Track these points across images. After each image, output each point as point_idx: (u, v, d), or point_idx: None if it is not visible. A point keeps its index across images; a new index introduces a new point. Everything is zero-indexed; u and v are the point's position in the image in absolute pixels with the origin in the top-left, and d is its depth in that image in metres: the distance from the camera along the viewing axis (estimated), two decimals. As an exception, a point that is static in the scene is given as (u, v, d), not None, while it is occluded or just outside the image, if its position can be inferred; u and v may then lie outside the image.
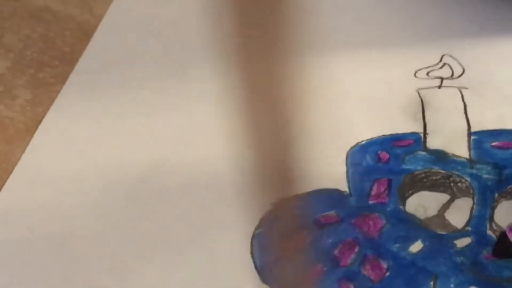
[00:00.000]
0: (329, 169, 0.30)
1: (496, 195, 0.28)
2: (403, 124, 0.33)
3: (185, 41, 0.39)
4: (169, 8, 0.43)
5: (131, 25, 0.41)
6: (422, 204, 0.28)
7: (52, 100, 0.35)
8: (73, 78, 0.36)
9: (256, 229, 0.27)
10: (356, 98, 0.34)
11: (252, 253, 0.26)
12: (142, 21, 0.42)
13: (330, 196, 0.29)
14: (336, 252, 0.26)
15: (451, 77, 0.36)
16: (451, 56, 0.37)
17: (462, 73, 0.36)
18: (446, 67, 0.37)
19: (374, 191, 0.29)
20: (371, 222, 0.27)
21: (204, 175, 0.30)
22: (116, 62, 0.38)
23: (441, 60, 0.37)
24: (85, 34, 0.40)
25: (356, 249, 0.26)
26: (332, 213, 0.28)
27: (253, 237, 0.27)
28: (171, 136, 0.33)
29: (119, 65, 0.38)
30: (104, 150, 0.32)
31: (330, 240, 0.27)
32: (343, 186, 0.29)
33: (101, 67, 0.37)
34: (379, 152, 0.31)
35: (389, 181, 0.29)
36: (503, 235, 0.25)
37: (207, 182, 0.30)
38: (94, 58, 0.38)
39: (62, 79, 0.37)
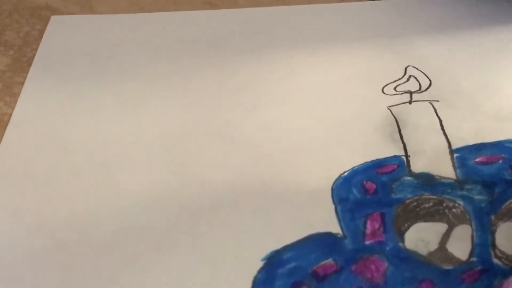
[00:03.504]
0: (316, 210, 0.27)
1: (493, 218, 0.27)
2: (382, 147, 0.31)
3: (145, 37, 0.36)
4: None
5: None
6: (422, 238, 0.26)
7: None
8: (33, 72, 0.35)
9: (249, 291, 0.24)
10: (328, 125, 0.32)
11: (249, 320, 0.24)
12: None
13: (324, 242, 0.26)
14: (342, 307, 0.24)
15: (420, 90, 0.35)
16: (415, 67, 0.36)
17: (430, 85, 0.35)
18: (412, 79, 0.35)
19: (368, 229, 0.27)
20: (373, 267, 0.25)
21: (181, 234, 0.27)
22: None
23: (405, 72, 0.36)
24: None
25: (363, 301, 0.24)
26: (329, 261, 0.25)
27: (248, 301, 0.24)
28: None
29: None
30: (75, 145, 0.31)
31: (333, 294, 0.24)
32: (335, 227, 0.27)
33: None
34: (365, 182, 0.29)
35: (382, 215, 0.27)
36: None
37: (185, 242, 0.26)
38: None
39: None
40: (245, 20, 0.39)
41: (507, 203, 0.28)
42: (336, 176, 0.29)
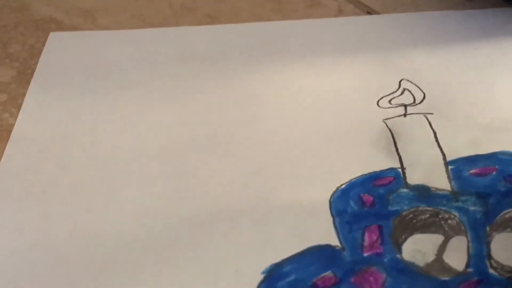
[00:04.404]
0: (314, 223, 0.28)
1: (488, 229, 0.28)
2: (378, 159, 0.31)
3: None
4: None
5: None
6: (419, 249, 0.27)
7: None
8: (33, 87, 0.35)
9: (250, 304, 0.25)
10: (325, 138, 0.33)
11: (250, 333, 0.24)
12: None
13: (323, 254, 0.26)
14: (341, 319, 0.24)
15: (414, 103, 0.35)
16: (409, 80, 0.37)
17: (424, 98, 0.35)
18: (406, 92, 0.36)
19: (366, 241, 0.27)
20: (371, 278, 0.26)
21: (181, 247, 0.27)
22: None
23: (399, 85, 0.37)
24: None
25: (363, 313, 0.24)
26: (328, 273, 0.26)
27: (249, 314, 0.24)
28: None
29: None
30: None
31: (333, 307, 0.25)
32: (334, 240, 0.27)
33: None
34: (362, 195, 0.29)
35: (380, 227, 0.28)
36: None
37: (185, 256, 0.27)
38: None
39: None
40: (244, 34, 0.40)
41: (502, 214, 0.28)
42: (334, 188, 0.30)
